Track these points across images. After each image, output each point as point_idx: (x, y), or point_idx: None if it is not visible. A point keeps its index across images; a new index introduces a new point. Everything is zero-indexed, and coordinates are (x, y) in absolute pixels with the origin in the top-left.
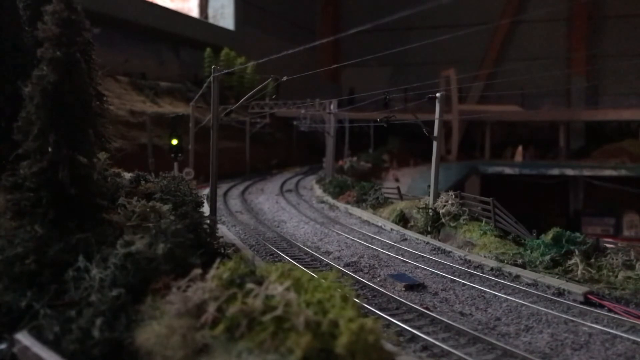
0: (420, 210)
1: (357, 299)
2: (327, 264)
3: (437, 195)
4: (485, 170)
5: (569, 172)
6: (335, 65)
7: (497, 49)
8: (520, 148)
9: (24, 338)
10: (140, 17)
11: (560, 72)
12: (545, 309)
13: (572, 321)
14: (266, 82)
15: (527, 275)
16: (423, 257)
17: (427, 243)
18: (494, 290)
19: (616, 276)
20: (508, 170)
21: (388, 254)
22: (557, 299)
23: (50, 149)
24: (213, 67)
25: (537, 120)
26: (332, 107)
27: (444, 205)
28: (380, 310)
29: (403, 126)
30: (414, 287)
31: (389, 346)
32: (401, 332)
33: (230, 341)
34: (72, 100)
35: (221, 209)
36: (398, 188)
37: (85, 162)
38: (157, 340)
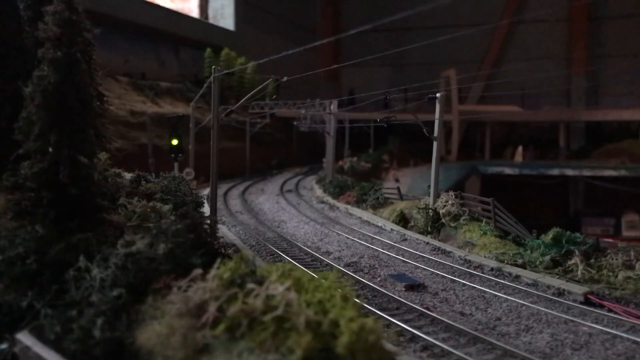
0: (421, 210)
1: (357, 299)
2: (328, 264)
3: (437, 196)
4: (485, 171)
5: (569, 172)
6: (335, 66)
7: (497, 49)
8: (520, 148)
9: (25, 338)
10: (140, 17)
11: (560, 72)
12: (545, 309)
13: (572, 321)
14: (266, 83)
15: (527, 275)
16: (423, 257)
17: (427, 243)
18: (494, 291)
19: (616, 276)
20: (508, 171)
21: (388, 254)
22: (557, 299)
23: (51, 149)
24: (213, 67)
25: (537, 121)
26: (332, 107)
27: (444, 206)
28: (380, 310)
29: (403, 126)
30: (414, 287)
31: (389, 346)
32: (401, 332)
33: (231, 341)
34: (72, 101)
35: (221, 209)
36: (398, 188)
37: (86, 162)
38: (158, 340)
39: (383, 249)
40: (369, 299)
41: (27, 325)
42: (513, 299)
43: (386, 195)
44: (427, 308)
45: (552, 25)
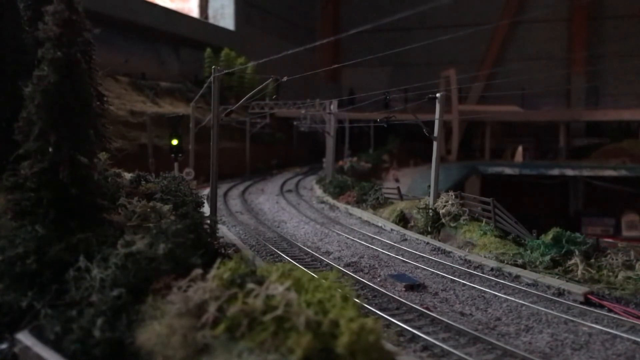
0: (421, 210)
1: (357, 299)
2: (328, 264)
3: (437, 196)
4: (485, 171)
5: (569, 172)
6: (335, 65)
7: (497, 49)
8: (520, 148)
9: (25, 338)
10: (140, 17)
11: (560, 72)
12: (545, 309)
13: (572, 321)
14: (266, 83)
15: (527, 275)
16: (423, 257)
17: (427, 243)
18: (494, 291)
19: (616, 276)
20: (508, 171)
21: (388, 254)
22: (557, 299)
23: (51, 149)
24: (213, 67)
25: (537, 121)
26: (332, 107)
27: (444, 206)
28: (380, 310)
29: (403, 126)
30: (414, 287)
31: (389, 346)
32: (401, 332)
33: (231, 341)
34: (72, 101)
35: (221, 209)
36: (398, 188)
37: (86, 162)
38: (158, 340)
39: (383, 249)
40: (369, 299)
41: (27, 325)
42: (513, 299)
43: (386, 195)
44: (427, 308)
45: (552, 25)
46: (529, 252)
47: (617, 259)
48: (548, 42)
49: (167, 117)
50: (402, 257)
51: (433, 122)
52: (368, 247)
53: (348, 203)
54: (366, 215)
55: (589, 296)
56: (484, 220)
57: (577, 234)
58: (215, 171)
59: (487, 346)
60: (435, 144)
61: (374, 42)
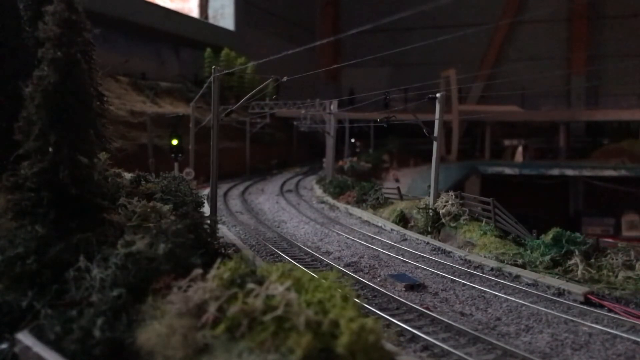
0: (421, 210)
1: (357, 299)
2: (328, 264)
3: (437, 196)
4: (485, 171)
5: (569, 172)
6: (335, 66)
7: (497, 49)
8: (520, 148)
9: (25, 338)
10: (140, 17)
11: (560, 72)
12: (545, 309)
13: (572, 321)
14: (266, 83)
15: (527, 275)
16: (423, 257)
17: (427, 243)
18: (494, 291)
19: (616, 276)
20: (508, 171)
21: (388, 254)
22: (557, 299)
23: (51, 149)
24: (213, 67)
25: (537, 121)
26: (332, 107)
27: (444, 206)
28: (380, 310)
29: (403, 126)
30: (414, 287)
31: (389, 346)
32: (401, 332)
33: (231, 341)
34: (72, 101)
35: (221, 209)
36: (398, 188)
37: (86, 162)
38: (158, 340)
39: (383, 249)
40: (369, 299)
41: (27, 325)
42: (513, 299)
43: (386, 195)
44: (427, 308)
45: (552, 25)
46: (529, 252)
47: (617, 259)
48: (548, 42)
49: (167, 117)
50: (402, 257)
51: (433, 122)
52: (368, 247)
53: (348, 203)
54: (366, 215)
55: (589, 296)
56: (484, 220)
57: (577, 234)
58: (215, 171)
59: (487, 346)
60: (435, 144)
61: (374, 42)
